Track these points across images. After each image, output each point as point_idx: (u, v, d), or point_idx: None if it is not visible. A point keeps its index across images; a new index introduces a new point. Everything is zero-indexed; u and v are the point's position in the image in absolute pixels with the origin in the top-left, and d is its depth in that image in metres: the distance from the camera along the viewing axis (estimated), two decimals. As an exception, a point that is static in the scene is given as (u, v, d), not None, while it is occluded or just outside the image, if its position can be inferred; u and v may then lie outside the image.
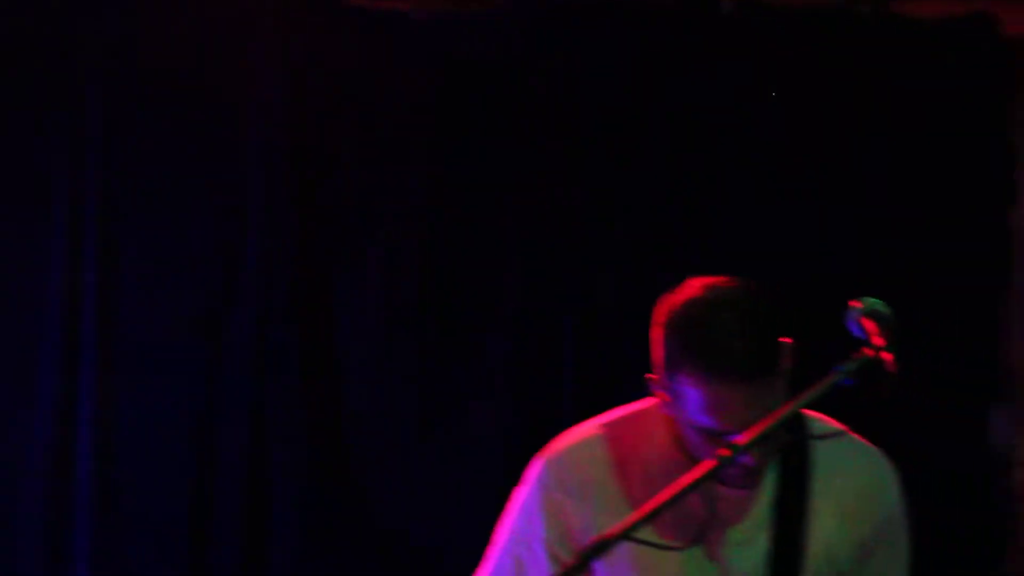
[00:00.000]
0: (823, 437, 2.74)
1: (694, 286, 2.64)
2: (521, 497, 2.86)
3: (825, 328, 2.61)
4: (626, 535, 2.32)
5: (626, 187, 4.31)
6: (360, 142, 4.29)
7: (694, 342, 2.57)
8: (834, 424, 2.78)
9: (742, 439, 2.40)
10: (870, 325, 2.41)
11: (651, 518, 2.32)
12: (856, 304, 2.45)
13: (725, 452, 2.38)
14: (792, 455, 2.76)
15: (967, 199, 4.35)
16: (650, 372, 2.68)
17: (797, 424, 2.67)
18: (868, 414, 2.46)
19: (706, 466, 2.37)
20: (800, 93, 4.35)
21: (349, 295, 4.29)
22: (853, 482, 2.78)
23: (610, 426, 2.84)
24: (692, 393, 2.57)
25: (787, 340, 2.61)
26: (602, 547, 2.31)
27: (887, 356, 2.36)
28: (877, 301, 2.45)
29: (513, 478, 2.83)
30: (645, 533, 2.48)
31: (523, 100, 4.29)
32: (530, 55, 4.31)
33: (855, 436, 2.80)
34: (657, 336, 2.65)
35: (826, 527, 2.76)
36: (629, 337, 3.90)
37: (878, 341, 2.38)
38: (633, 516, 2.32)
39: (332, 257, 4.29)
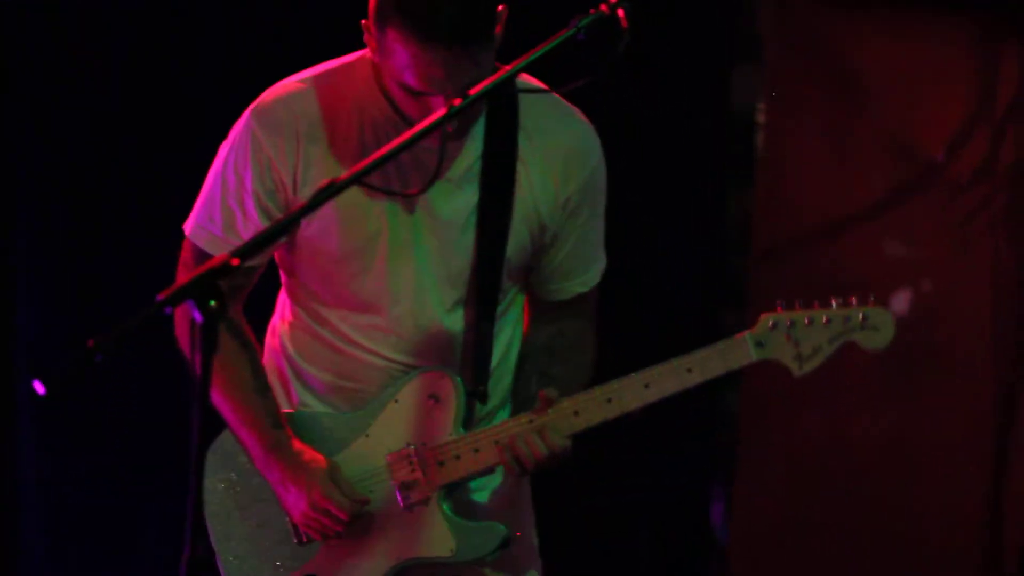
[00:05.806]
0: (529, 92, 2.76)
1: None
2: (230, 151, 2.82)
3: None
4: (357, 179, 2.32)
5: None
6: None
7: None
8: (540, 84, 2.79)
9: (469, 92, 2.37)
10: (607, -20, 2.42)
11: (379, 165, 2.32)
12: (594, -41, 2.45)
13: (457, 101, 2.36)
14: (500, 111, 2.79)
15: None
16: (365, 18, 2.63)
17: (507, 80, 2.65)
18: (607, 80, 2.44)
19: (433, 117, 2.36)
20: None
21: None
22: (558, 144, 2.84)
23: (319, 78, 2.80)
24: (399, 50, 2.55)
25: (501, 7, 2.59)
26: (333, 190, 2.30)
27: (620, 12, 2.37)
28: (615, -43, 2.44)
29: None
30: (372, 180, 2.50)
31: None
32: None
33: (561, 99, 2.83)
34: None
35: (533, 183, 2.84)
36: None
37: (612, -4, 2.38)
38: (362, 163, 2.31)
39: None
